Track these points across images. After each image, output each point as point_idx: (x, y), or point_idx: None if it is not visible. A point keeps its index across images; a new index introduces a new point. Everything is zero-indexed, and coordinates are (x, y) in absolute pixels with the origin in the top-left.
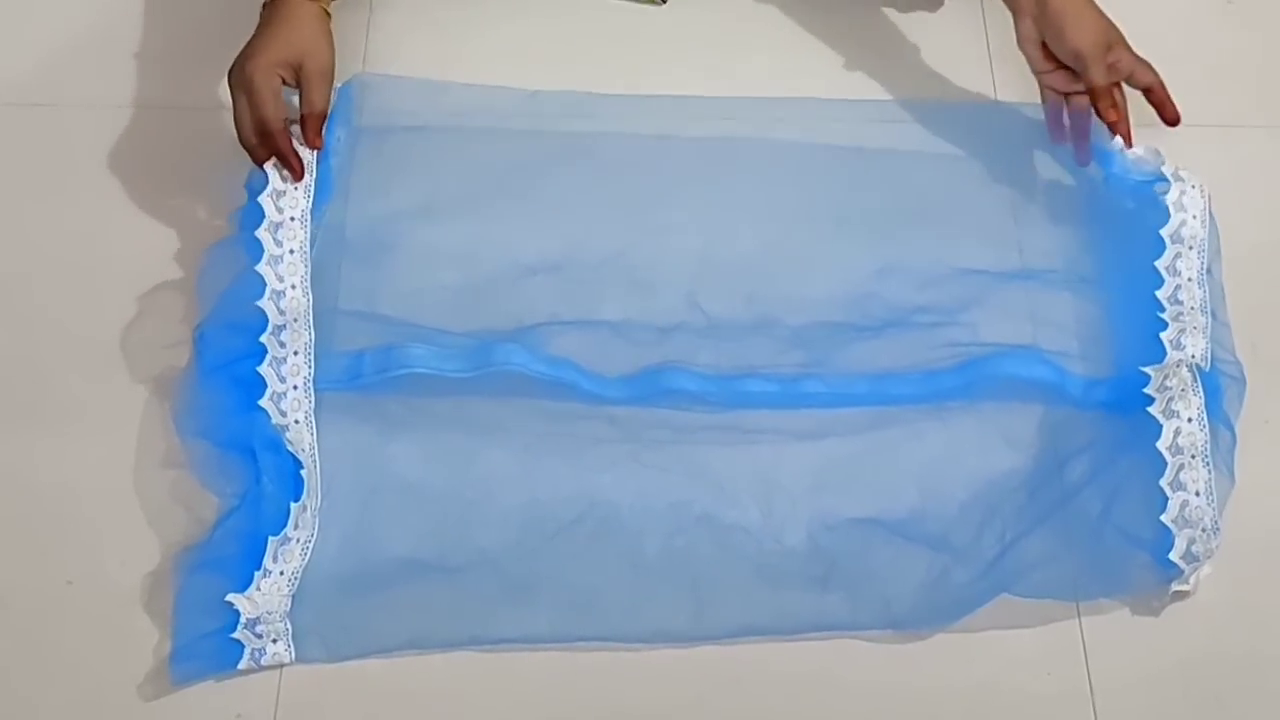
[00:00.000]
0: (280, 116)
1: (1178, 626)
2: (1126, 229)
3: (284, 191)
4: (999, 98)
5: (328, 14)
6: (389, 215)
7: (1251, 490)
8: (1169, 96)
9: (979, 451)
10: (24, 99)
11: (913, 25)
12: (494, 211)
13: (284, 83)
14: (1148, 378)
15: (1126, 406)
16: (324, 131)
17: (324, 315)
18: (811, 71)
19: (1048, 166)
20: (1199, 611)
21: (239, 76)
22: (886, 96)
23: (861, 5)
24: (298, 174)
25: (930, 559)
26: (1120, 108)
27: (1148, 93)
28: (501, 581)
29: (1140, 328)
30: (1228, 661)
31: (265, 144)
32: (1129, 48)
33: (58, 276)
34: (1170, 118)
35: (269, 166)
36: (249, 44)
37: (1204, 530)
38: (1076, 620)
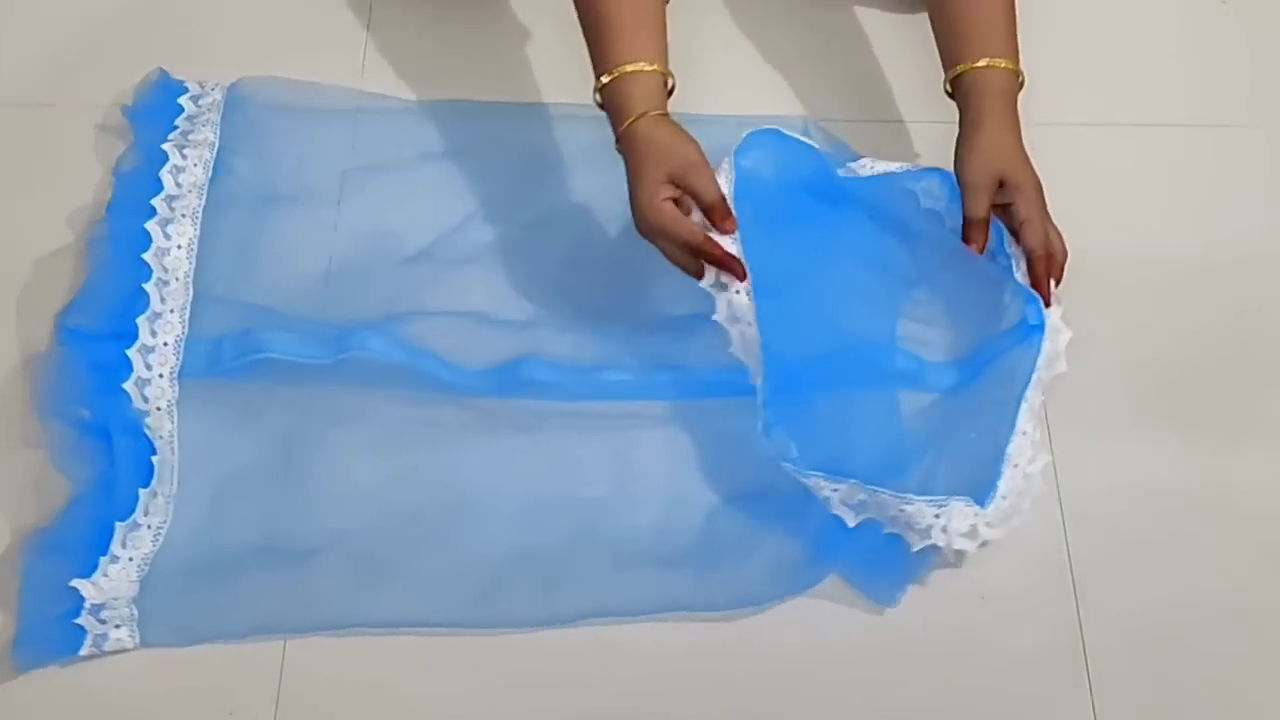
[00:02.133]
0: (692, 232)
1: (1178, 626)
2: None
3: (177, 195)
4: None
5: (664, 116)
6: (254, 201)
7: (1249, 490)
8: (1048, 273)
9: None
10: (24, 99)
11: (913, 26)
12: (362, 200)
13: (675, 201)
14: (992, 357)
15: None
16: (728, 212)
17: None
18: (813, 72)
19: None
20: (1199, 611)
21: (642, 226)
22: (882, 100)
23: (864, 6)
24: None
25: (777, 536)
26: (979, 244)
27: (1028, 257)
28: (354, 566)
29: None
30: (1227, 661)
31: (699, 261)
32: (1038, 200)
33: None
34: (1042, 294)
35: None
36: (629, 187)
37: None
38: (1076, 620)
